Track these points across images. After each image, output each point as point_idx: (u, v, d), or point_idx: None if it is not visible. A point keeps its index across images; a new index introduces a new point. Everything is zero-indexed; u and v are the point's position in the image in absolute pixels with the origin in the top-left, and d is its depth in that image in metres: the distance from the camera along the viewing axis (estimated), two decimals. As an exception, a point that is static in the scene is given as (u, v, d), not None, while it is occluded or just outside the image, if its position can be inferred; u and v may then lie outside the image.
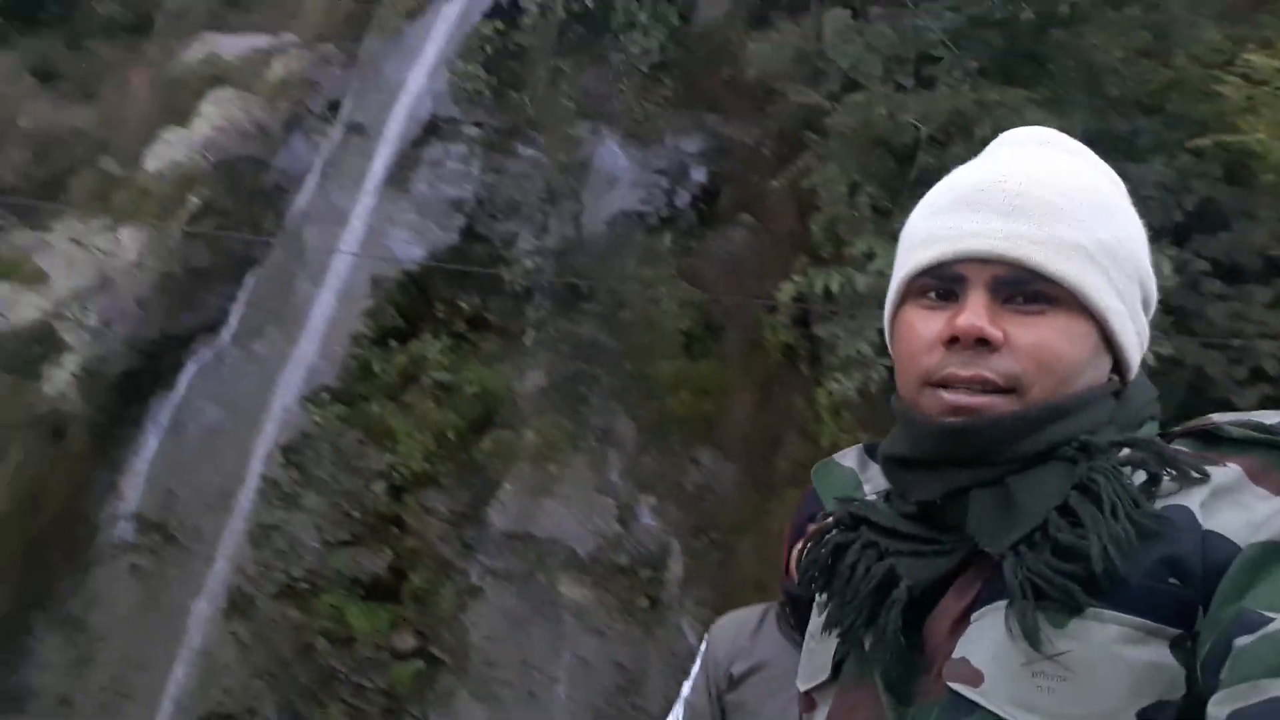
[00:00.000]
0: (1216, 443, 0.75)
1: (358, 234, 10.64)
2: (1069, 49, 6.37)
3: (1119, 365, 0.83)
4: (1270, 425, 0.72)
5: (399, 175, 10.60)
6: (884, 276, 6.38)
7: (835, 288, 6.36)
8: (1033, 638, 0.67)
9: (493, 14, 11.03)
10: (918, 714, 0.75)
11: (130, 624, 8.79)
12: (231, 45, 12.56)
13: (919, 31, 6.50)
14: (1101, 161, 0.86)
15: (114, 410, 9.48)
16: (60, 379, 9.35)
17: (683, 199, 9.35)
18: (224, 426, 9.64)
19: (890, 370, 4.88)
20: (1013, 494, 0.74)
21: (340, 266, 10.54)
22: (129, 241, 10.56)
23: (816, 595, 0.88)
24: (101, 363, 9.53)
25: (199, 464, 9.30)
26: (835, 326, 6.38)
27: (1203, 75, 6.10)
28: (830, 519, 0.88)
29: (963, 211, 0.81)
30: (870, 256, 6.14)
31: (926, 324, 0.81)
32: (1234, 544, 0.66)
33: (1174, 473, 0.71)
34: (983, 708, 0.69)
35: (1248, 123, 5.46)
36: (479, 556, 8.85)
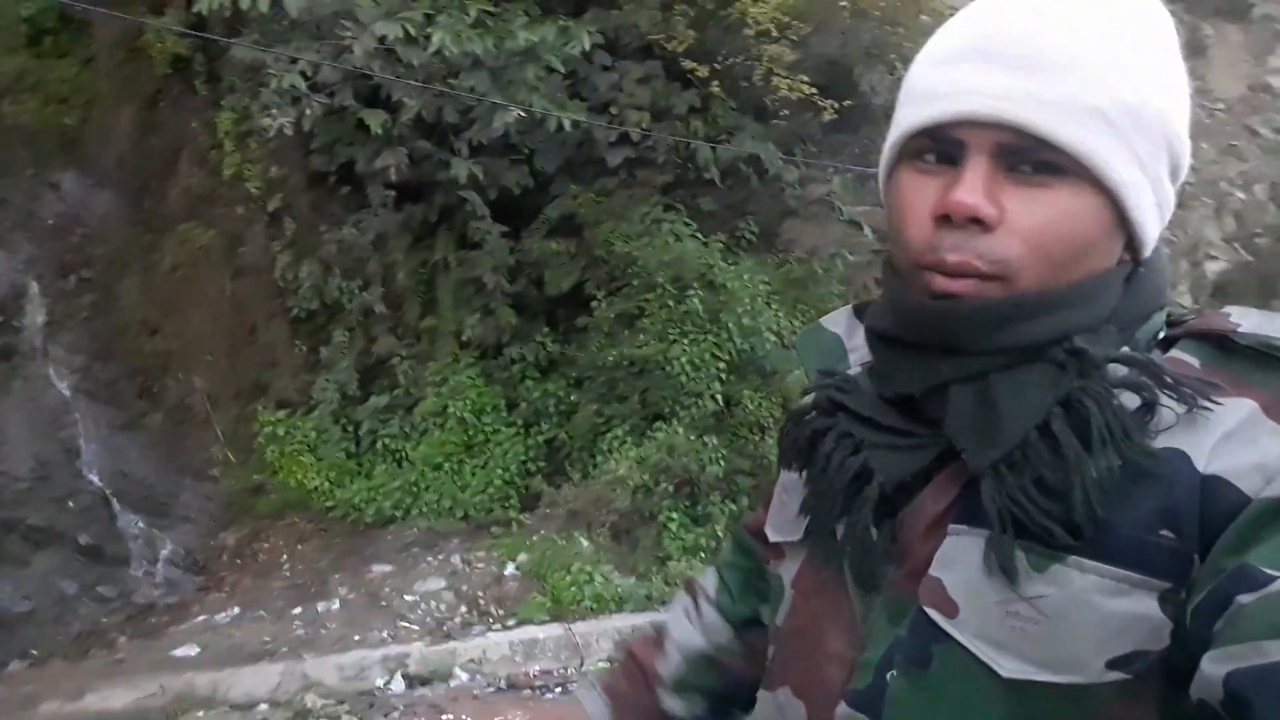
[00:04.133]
0: (1230, 353, 0.67)
1: None
2: None
3: (1132, 240, 0.73)
4: None
5: None
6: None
7: (245, 4, 5.51)
8: (1011, 576, 0.65)
9: None
10: (885, 607, 0.74)
11: None
12: None
13: None
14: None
15: None
16: None
17: None
18: None
19: (324, 106, 4.61)
20: (994, 396, 0.69)
21: None
22: None
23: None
24: None
25: None
26: (261, 52, 5.68)
27: None
28: (810, 399, 0.83)
29: (967, 63, 0.70)
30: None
31: (920, 194, 0.72)
32: (1240, 492, 0.61)
33: (1174, 397, 0.65)
34: (954, 639, 0.68)
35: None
36: None
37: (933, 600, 0.70)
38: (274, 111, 5.54)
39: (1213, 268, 10.49)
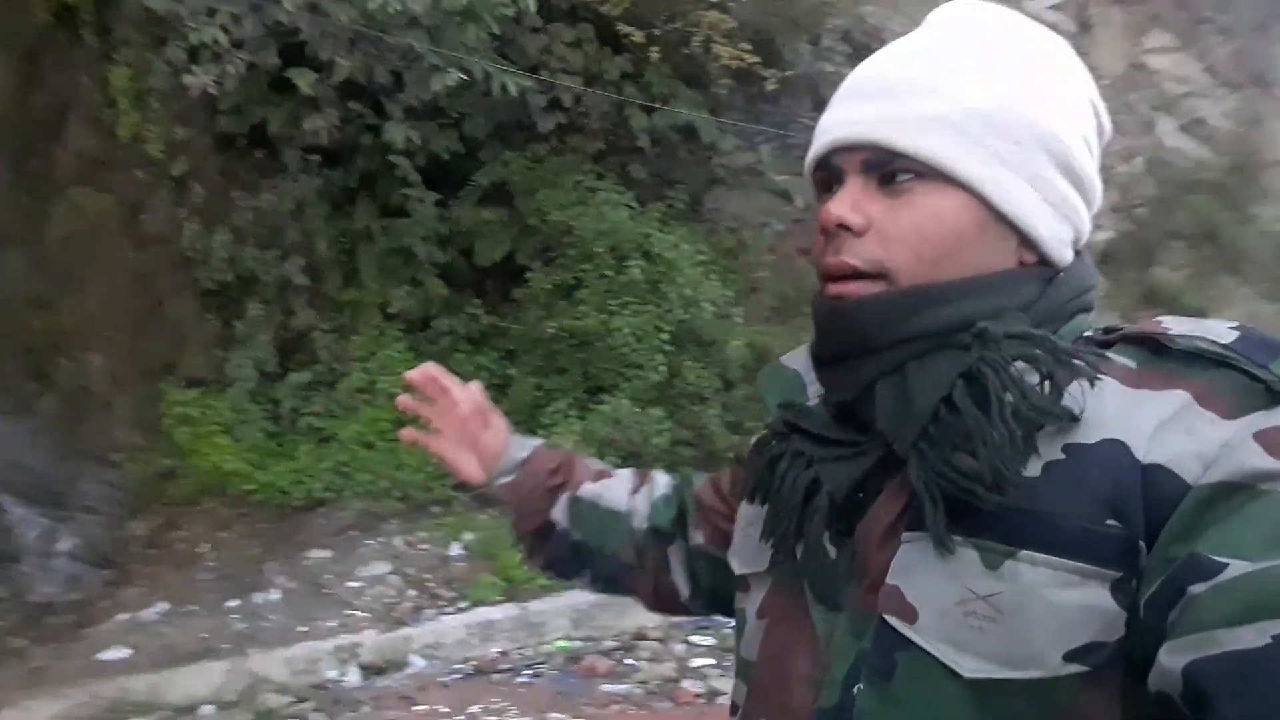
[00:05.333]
0: (1164, 355, 0.70)
1: None
2: None
3: (1027, 239, 0.77)
4: (1227, 343, 0.68)
5: None
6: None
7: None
8: (947, 546, 0.68)
9: None
10: (848, 623, 0.75)
11: None
12: None
13: None
14: (1032, 28, 0.81)
15: None
16: None
17: None
18: None
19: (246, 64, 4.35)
20: (909, 382, 0.73)
21: None
22: None
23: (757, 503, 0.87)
24: None
25: None
26: (177, 4, 5.19)
27: None
28: (768, 429, 0.87)
29: (843, 103, 0.80)
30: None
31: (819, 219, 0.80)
32: (1181, 480, 0.63)
33: (1067, 369, 0.68)
34: (915, 644, 0.69)
35: None
36: None
37: (892, 607, 0.71)
38: (195, 69, 5.09)
39: (1101, 236, 11.09)
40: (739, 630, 0.88)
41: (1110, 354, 0.72)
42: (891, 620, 0.70)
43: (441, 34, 5.62)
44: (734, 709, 0.87)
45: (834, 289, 0.76)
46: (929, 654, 0.68)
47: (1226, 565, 0.58)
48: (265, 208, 6.43)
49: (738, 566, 0.90)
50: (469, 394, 1.11)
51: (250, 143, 6.59)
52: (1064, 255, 0.78)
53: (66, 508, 6.25)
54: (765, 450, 0.85)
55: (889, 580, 0.72)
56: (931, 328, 0.73)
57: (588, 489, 1.11)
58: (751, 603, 0.86)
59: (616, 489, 1.11)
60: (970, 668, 0.66)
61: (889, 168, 0.75)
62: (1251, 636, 0.55)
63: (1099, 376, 0.68)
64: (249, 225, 6.47)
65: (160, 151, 6.42)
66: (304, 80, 5.48)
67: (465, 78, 5.61)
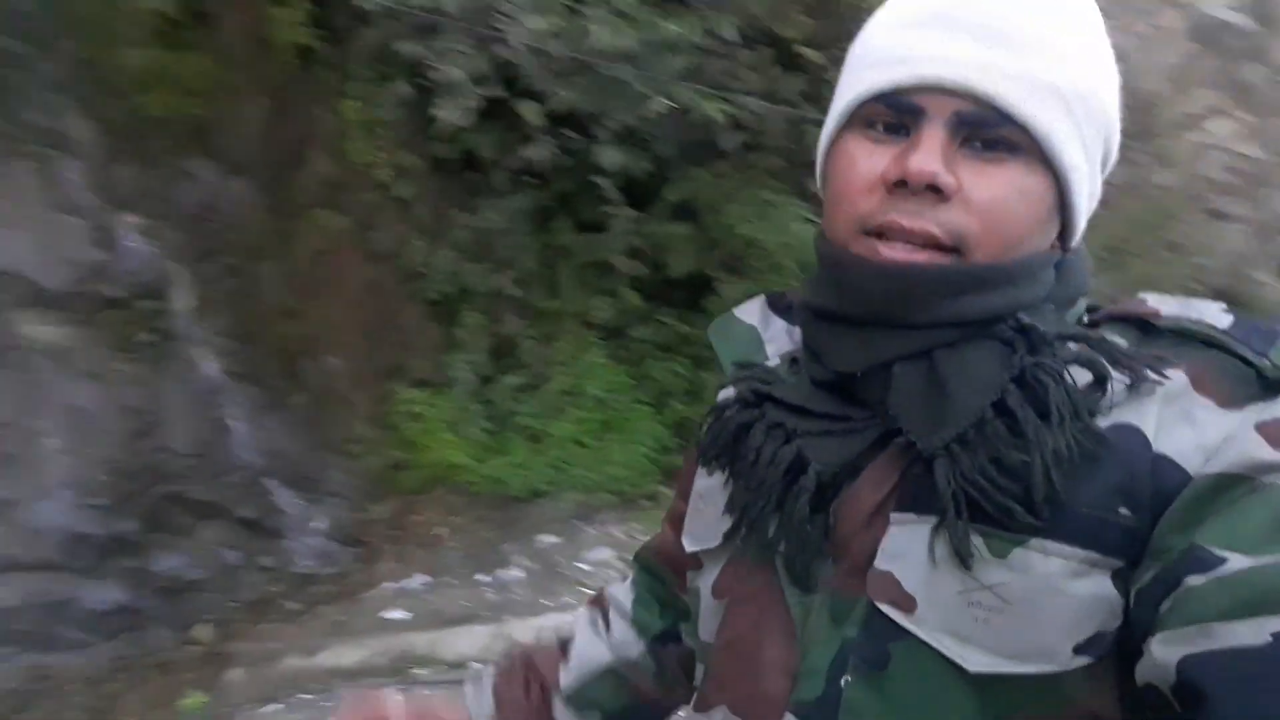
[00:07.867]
0: (1154, 334, 0.68)
1: None
2: None
3: (1064, 231, 0.72)
4: (1224, 327, 0.65)
5: None
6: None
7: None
8: (966, 561, 0.62)
9: None
10: (826, 607, 0.69)
11: None
12: None
13: None
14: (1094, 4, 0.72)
15: None
16: None
17: None
18: None
19: (493, 101, 5.04)
20: (941, 374, 0.66)
21: None
22: None
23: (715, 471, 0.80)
24: None
25: None
26: (417, 44, 5.93)
27: None
28: (732, 392, 0.80)
29: (931, 29, 0.68)
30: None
31: (870, 159, 0.69)
32: (1184, 471, 0.60)
33: (1126, 372, 0.64)
34: (914, 635, 0.64)
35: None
36: None
37: (886, 595, 0.66)
38: (437, 102, 5.80)
39: None
40: (695, 610, 0.84)
41: (1100, 332, 0.70)
42: (887, 609, 0.66)
43: (646, 64, 6.17)
44: (693, 692, 0.82)
45: (896, 255, 0.67)
46: (929, 646, 0.64)
47: (1226, 559, 0.56)
48: (479, 225, 7.12)
49: (690, 544, 0.84)
50: (397, 708, 0.95)
51: (463, 166, 7.30)
52: (1076, 240, 0.75)
53: (317, 492, 7.11)
54: (729, 418, 0.78)
55: (879, 565, 0.67)
56: (982, 312, 0.67)
57: (567, 675, 1.00)
58: (705, 580, 0.81)
59: (589, 647, 1.01)
60: (976, 661, 0.62)
61: (991, 130, 0.66)
62: (1249, 632, 0.53)
63: (1163, 380, 0.64)
64: (465, 241, 7.18)
65: (387, 176, 7.20)
66: (529, 111, 6.11)
67: (671, 104, 6.13)
